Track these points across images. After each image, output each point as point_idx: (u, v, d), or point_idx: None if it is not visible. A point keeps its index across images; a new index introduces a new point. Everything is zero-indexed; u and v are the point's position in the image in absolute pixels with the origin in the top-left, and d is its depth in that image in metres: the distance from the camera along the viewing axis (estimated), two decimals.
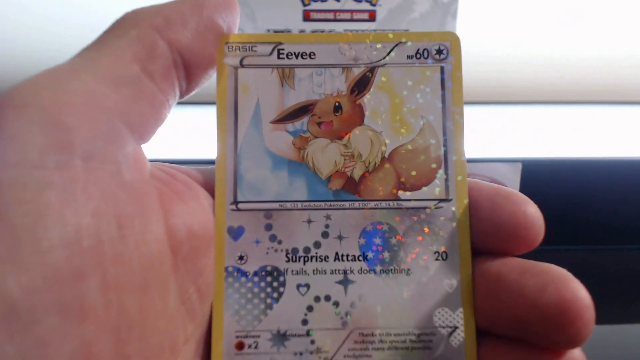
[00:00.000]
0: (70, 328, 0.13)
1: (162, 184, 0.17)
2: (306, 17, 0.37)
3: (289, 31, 0.38)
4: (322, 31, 0.38)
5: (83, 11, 0.46)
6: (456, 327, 0.17)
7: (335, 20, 0.37)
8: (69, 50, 0.16)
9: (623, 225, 0.44)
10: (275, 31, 0.37)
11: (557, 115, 0.50)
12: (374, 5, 0.37)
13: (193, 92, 0.18)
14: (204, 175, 0.19)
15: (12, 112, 0.13)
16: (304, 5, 0.37)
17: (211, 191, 0.18)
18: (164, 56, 0.16)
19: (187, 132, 0.42)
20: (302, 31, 0.37)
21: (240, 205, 0.18)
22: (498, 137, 0.45)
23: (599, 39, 0.49)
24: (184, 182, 0.17)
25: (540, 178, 0.42)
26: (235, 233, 0.18)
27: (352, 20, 0.37)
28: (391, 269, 0.18)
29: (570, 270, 0.16)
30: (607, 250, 0.44)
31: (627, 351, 0.48)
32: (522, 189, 0.41)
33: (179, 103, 0.18)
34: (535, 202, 0.17)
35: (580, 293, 0.15)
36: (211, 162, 0.18)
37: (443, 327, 0.18)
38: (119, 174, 0.15)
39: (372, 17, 0.37)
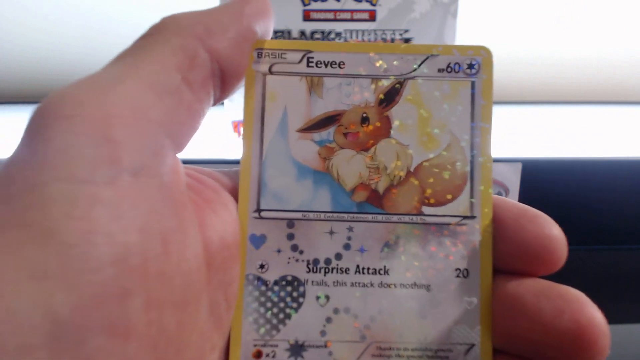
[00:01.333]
0: (114, 347, 0.12)
1: (195, 194, 0.16)
2: (306, 17, 0.37)
3: (289, 31, 0.37)
4: (322, 31, 0.38)
5: (83, 11, 0.46)
6: (473, 345, 0.17)
7: (335, 20, 0.37)
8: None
9: (623, 225, 0.44)
10: (276, 31, 0.37)
11: (557, 115, 0.50)
12: (374, 5, 0.37)
13: (224, 100, 0.18)
14: (230, 178, 0.18)
15: (60, 124, 0.13)
16: (304, 5, 0.37)
17: (236, 195, 0.18)
18: (204, 66, 0.16)
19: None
20: (302, 31, 0.37)
21: (263, 214, 0.18)
22: (498, 137, 0.45)
23: (599, 39, 0.49)
24: (212, 189, 0.17)
25: (540, 178, 0.42)
26: (257, 241, 0.18)
27: (352, 20, 0.37)
28: (411, 284, 0.18)
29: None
30: (607, 250, 0.44)
31: (627, 351, 0.48)
32: (522, 189, 0.41)
33: None
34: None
35: (596, 319, 0.15)
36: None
37: (460, 344, 0.17)
38: (162, 188, 0.14)
39: (372, 17, 0.37)
